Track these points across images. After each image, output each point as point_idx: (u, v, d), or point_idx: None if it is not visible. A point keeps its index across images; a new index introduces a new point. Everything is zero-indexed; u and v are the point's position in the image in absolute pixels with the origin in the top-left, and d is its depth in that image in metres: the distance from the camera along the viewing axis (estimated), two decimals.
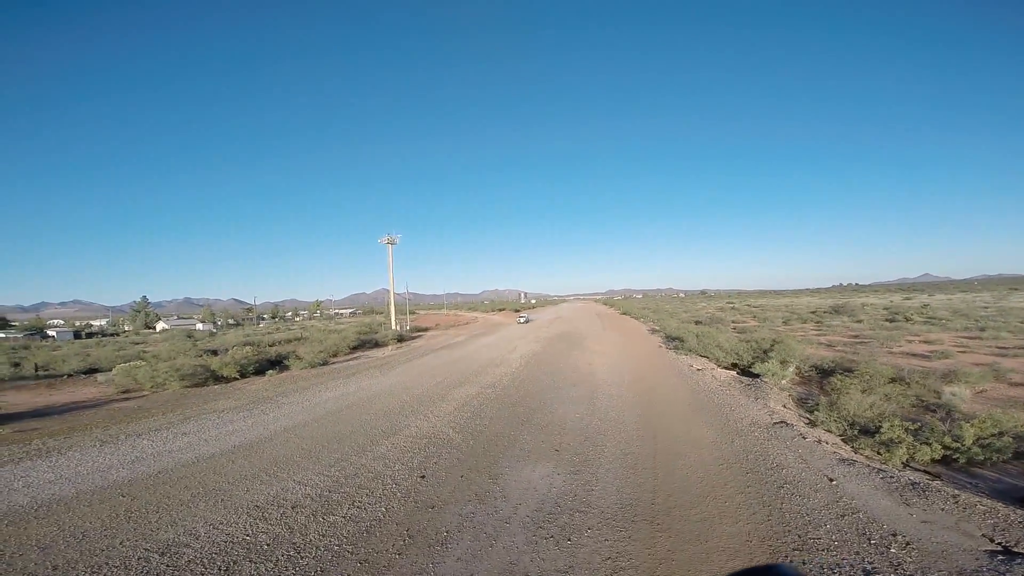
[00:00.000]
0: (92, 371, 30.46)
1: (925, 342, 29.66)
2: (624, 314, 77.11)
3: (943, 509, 6.96)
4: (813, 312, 60.47)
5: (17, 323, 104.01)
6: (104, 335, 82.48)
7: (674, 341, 30.94)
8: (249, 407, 16.03)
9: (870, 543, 6.11)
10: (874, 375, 16.67)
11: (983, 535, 6.29)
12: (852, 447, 11.19)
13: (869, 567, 5.55)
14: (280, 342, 42.70)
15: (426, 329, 61.38)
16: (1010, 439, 10.12)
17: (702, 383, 17.51)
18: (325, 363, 28.84)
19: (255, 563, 6.07)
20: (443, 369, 23.12)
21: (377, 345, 40.71)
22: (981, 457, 10.00)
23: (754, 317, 56.51)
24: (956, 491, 7.69)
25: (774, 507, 7.13)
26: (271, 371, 25.92)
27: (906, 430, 10.84)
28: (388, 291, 64.79)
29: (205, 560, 6.16)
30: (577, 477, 8.57)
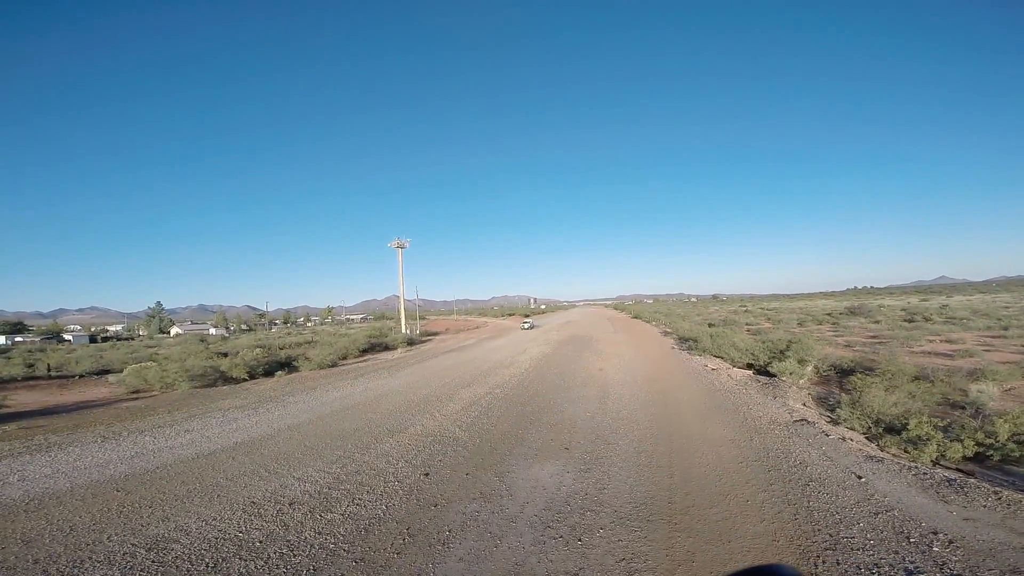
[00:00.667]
0: (104, 372, 30.57)
1: (947, 341, 28.81)
2: (635, 318, 76.29)
3: (985, 506, 6.44)
4: (828, 314, 59.29)
5: (35, 327, 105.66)
6: (119, 339, 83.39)
7: (687, 343, 30.33)
8: (255, 406, 15.80)
9: (909, 542, 5.61)
10: (896, 373, 16.09)
11: None
12: (878, 445, 10.65)
13: (911, 567, 5.05)
14: (290, 345, 42.63)
15: (436, 333, 61.18)
16: None
17: (717, 382, 16.97)
18: (334, 365, 28.66)
19: (245, 560, 5.72)
20: (452, 370, 22.78)
21: (387, 348, 40.51)
22: (1017, 453, 9.43)
23: (768, 319, 55.51)
24: (997, 488, 7.14)
25: (800, 505, 6.64)
26: (280, 372, 25.77)
27: (935, 427, 10.29)
28: (398, 297, 64.72)
29: (193, 556, 5.83)
30: (588, 475, 8.14)
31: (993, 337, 29.62)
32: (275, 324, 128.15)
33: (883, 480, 7.51)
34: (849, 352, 24.08)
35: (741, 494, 7.12)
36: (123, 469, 9.32)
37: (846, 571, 5.05)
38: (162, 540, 6.25)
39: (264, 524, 6.70)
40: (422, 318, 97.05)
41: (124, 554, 5.92)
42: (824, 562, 5.24)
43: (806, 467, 8.17)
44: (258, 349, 32.38)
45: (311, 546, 6.07)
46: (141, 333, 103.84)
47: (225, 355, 33.98)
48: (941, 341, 29.23)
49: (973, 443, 9.81)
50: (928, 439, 9.94)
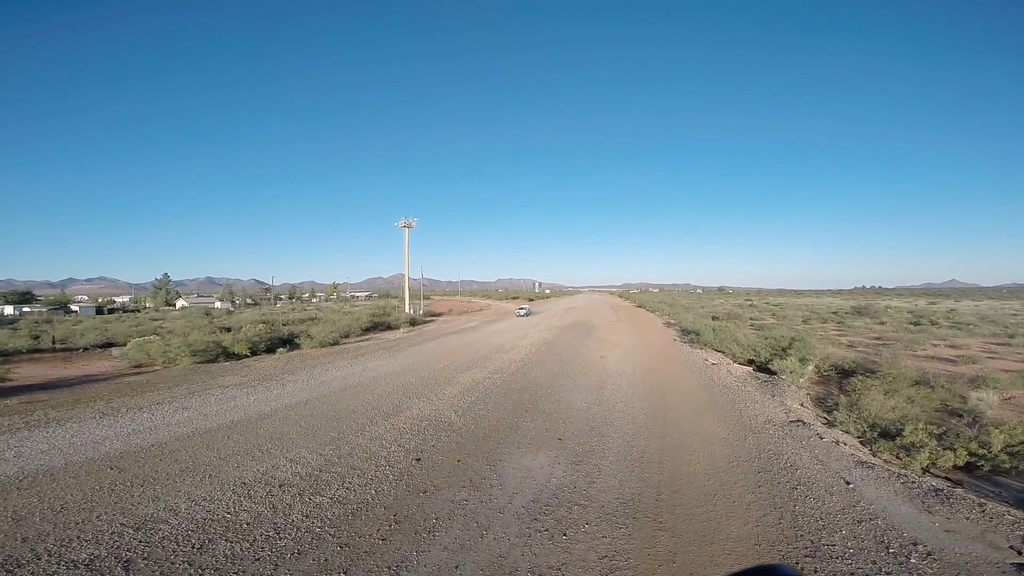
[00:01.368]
0: (108, 345, 30.82)
1: (951, 346, 28.60)
2: (639, 307, 76.21)
3: (968, 518, 6.41)
4: (834, 312, 58.92)
5: (43, 297, 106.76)
6: (125, 311, 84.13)
7: (689, 335, 30.26)
8: (254, 384, 15.93)
9: (888, 552, 5.61)
10: (897, 377, 16.00)
11: (1010, 547, 5.77)
12: (871, 449, 10.62)
13: None
14: (294, 321, 42.87)
15: (439, 314, 61.35)
16: None
17: (716, 378, 16.94)
18: (336, 343, 28.80)
19: (231, 542, 5.80)
20: (452, 353, 22.87)
21: (389, 328, 40.68)
22: (1008, 465, 9.38)
23: (773, 315, 55.23)
24: (982, 499, 7.11)
25: (786, 509, 6.64)
26: (282, 349, 25.93)
27: (929, 434, 10.25)
28: (404, 276, 64.82)
29: (180, 537, 5.91)
30: (579, 468, 8.17)
31: (998, 344, 29.38)
32: (280, 299, 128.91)
33: (871, 487, 7.49)
34: (852, 353, 23.95)
35: (729, 494, 7.13)
36: (118, 446, 9.43)
37: None
38: (150, 520, 6.34)
39: (253, 506, 6.78)
40: (426, 298, 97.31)
41: (112, 533, 6.00)
42: (803, 569, 5.24)
43: (796, 470, 8.16)
44: (261, 325, 32.63)
45: (297, 529, 6.14)
46: (147, 305, 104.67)
47: (228, 330, 34.25)
48: (945, 346, 29.02)
49: (965, 453, 9.77)
50: (922, 446, 9.91)
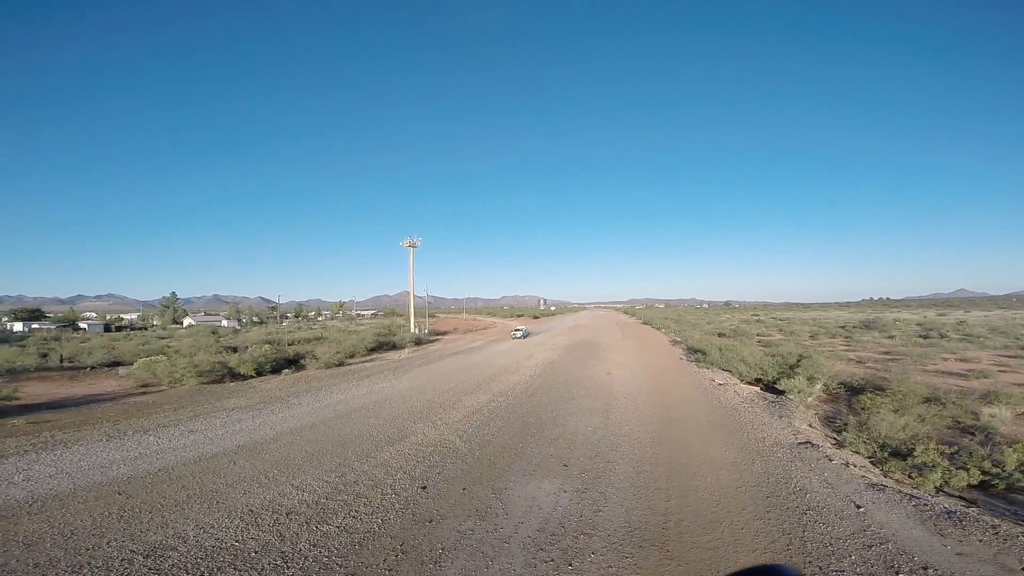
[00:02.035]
0: (115, 364, 31.04)
1: (962, 360, 28.31)
2: (645, 324, 75.91)
3: (981, 540, 6.33)
4: (842, 327, 58.51)
5: (52, 314, 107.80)
6: (133, 329, 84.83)
7: (696, 354, 30.10)
8: (259, 406, 15.96)
9: None
10: (907, 394, 15.84)
11: (1023, 568, 5.68)
12: (882, 470, 10.50)
13: None
14: (300, 341, 43.06)
15: (444, 333, 61.38)
16: None
17: (723, 399, 16.82)
18: (341, 364, 28.86)
19: (240, 571, 5.80)
20: (457, 375, 22.84)
21: (394, 347, 40.73)
22: (1023, 483, 9.28)
23: (780, 330, 54.92)
24: (996, 521, 7.01)
25: (795, 535, 6.57)
26: (287, 370, 26.03)
27: (941, 454, 10.15)
28: (409, 293, 65.06)
29: (189, 565, 5.92)
30: (584, 496, 8.12)
31: (1009, 357, 29.07)
32: (286, 318, 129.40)
33: (882, 510, 7.41)
34: (861, 369, 23.77)
35: (736, 521, 7.06)
36: (125, 471, 9.47)
37: None
38: (160, 547, 6.35)
39: (260, 534, 6.78)
40: (431, 316, 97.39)
41: (122, 560, 6.02)
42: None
43: (805, 494, 8.08)
44: (267, 346, 32.74)
45: (305, 558, 6.13)
46: (155, 323, 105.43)
47: (234, 350, 34.42)
48: (956, 360, 28.72)
49: (979, 472, 9.66)
50: (934, 466, 9.80)
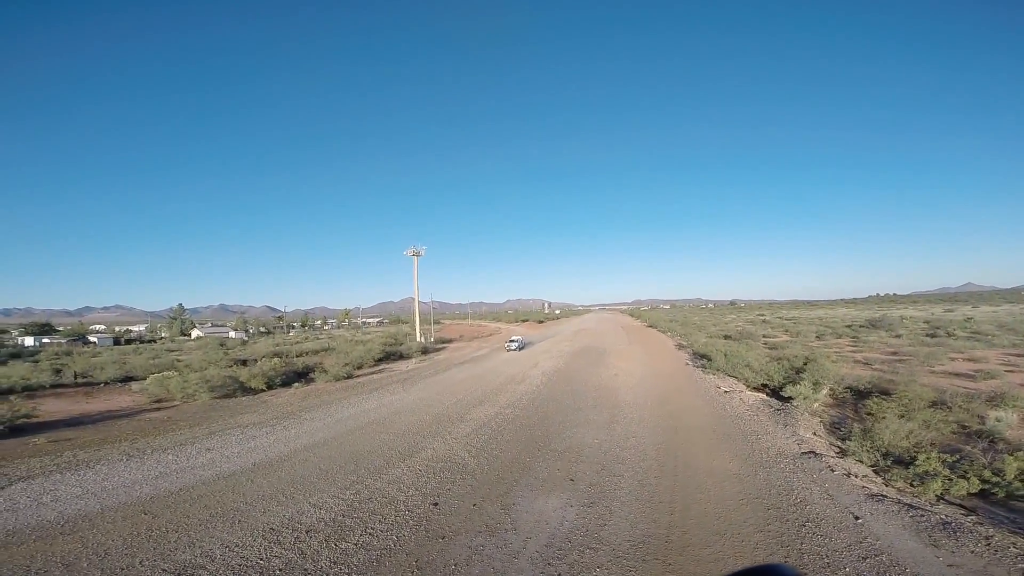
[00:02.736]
0: (128, 379, 31.54)
1: (969, 360, 28.16)
2: (650, 326, 75.96)
3: (973, 551, 6.58)
4: (848, 326, 58.31)
5: (62, 328, 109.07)
6: (142, 341, 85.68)
7: (701, 359, 30.26)
8: (272, 423, 16.32)
9: None
10: (913, 398, 15.86)
11: None
12: (884, 479, 10.68)
13: None
14: (308, 352, 43.54)
15: (450, 341, 61.70)
16: None
17: (729, 407, 17.02)
18: (350, 376, 29.22)
19: None
20: (463, 386, 23.15)
21: (402, 357, 41.11)
22: (1023, 491, 9.45)
23: (786, 331, 54.81)
24: (991, 531, 7.24)
25: (793, 547, 6.84)
26: (297, 384, 26.42)
27: (943, 462, 10.32)
28: (414, 300, 65.48)
29: None
30: (591, 510, 8.41)
31: (1018, 356, 28.93)
32: (293, 327, 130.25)
33: (880, 522, 7.65)
34: (867, 371, 23.78)
35: (737, 534, 7.33)
36: (148, 491, 9.85)
37: None
38: (190, 566, 6.70)
39: (283, 552, 7.12)
40: (437, 322, 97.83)
41: None
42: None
43: (806, 506, 8.33)
44: (276, 359, 33.19)
45: (327, 575, 6.45)
46: (163, 335, 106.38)
47: (244, 363, 34.90)
48: (963, 359, 28.60)
49: (978, 480, 9.84)
50: (935, 475, 10.00)
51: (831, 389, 19.12)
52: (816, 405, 17.26)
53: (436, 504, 8.84)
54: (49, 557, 7.03)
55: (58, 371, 34.70)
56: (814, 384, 18.50)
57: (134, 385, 27.94)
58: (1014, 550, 6.57)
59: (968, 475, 10.07)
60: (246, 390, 24.39)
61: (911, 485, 10.26)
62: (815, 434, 14.00)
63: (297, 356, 39.75)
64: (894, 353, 31.93)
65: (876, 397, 16.63)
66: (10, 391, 25.85)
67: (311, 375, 28.93)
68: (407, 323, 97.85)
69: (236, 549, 7.22)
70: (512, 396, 19.54)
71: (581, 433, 13.58)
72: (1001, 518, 8.50)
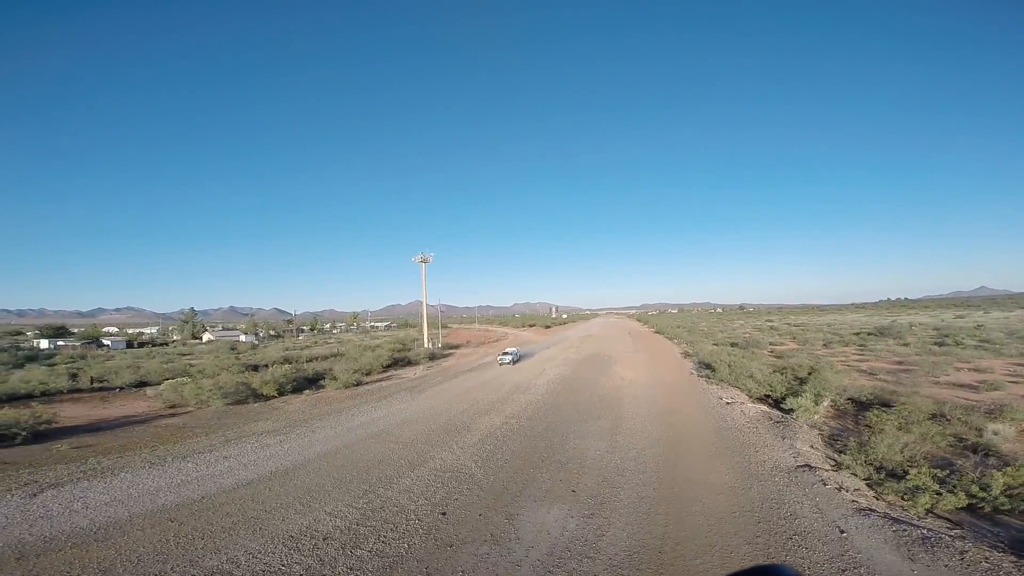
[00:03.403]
0: (142, 384, 32.36)
1: (975, 370, 28.16)
2: (657, 332, 76.13)
3: (947, 566, 6.99)
4: (856, 333, 58.24)
5: (76, 331, 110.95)
6: (154, 345, 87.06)
7: (706, 369, 30.56)
8: (286, 430, 16.91)
9: None
10: (912, 411, 16.04)
11: None
12: (876, 493, 11.02)
13: None
14: (317, 358, 44.30)
15: (457, 346, 62.29)
16: None
17: (730, 419, 17.35)
18: (359, 383, 29.79)
19: None
20: (470, 395, 23.66)
21: (410, 363, 41.71)
22: (1008, 507, 9.77)
23: (794, 338, 54.87)
24: (967, 545, 7.63)
25: (777, 559, 7.29)
26: (308, 391, 27.05)
27: (933, 477, 10.63)
28: (422, 303, 66.22)
29: None
30: (590, 521, 8.89)
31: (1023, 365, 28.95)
32: (302, 331, 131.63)
33: (863, 535, 8.07)
34: (871, 381, 23.93)
35: (727, 546, 7.78)
36: (172, 498, 10.44)
37: None
38: (217, 572, 7.26)
39: (302, 558, 7.66)
40: (444, 327, 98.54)
41: None
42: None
43: (795, 519, 8.75)
44: (287, 365, 33.89)
45: None
46: (175, 338, 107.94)
47: (255, 368, 35.68)
48: (969, 369, 28.58)
49: (966, 495, 10.18)
50: (924, 489, 10.34)
51: (833, 401, 19.36)
52: (817, 417, 17.53)
53: (444, 513, 9.36)
54: (87, 563, 7.60)
55: (74, 375, 35.60)
56: (815, 396, 18.77)
57: (149, 390, 28.72)
58: (985, 564, 6.97)
59: (956, 490, 10.42)
60: (258, 396, 25.04)
61: (902, 499, 10.59)
62: (812, 447, 14.33)
63: (307, 361, 40.47)
64: (900, 363, 31.98)
65: (877, 409, 16.87)
66: (29, 396, 26.73)
67: (321, 382, 29.57)
68: (415, 327, 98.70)
69: (259, 556, 7.76)
70: (518, 406, 20.02)
71: (584, 445, 14.04)
72: (985, 532, 8.85)
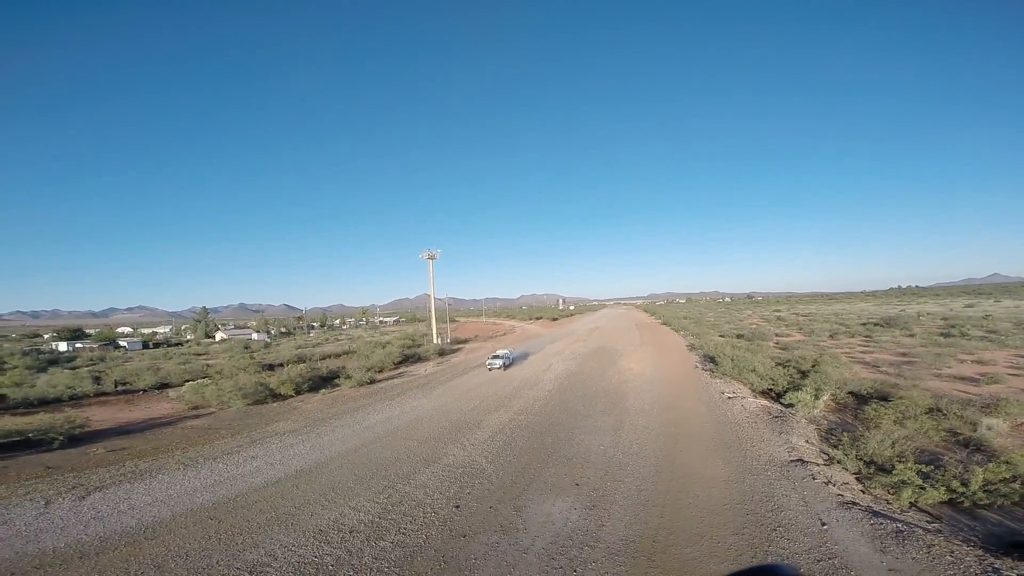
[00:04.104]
0: (164, 386, 33.51)
1: (978, 362, 28.33)
2: (664, 323, 76.55)
3: (914, 558, 7.68)
4: (863, 324, 58.29)
5: (92, 332, 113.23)
6: (169, 345, 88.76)
7: (710, 363, 31.11)
8: (306, 430, 17.83)
9: None
10: (910, 405, 16.47)
11: None
12: (864, 487, 11.63)
13: None
14: (330, 355, 45.39)
15: (465, 341, 63.14)
16: (1021, 484, 10.39)
17: (730, 414, 17.99)
18: (372, 381, 30.70)
19: None
20: (479, 391, 24.51)
21: (420, 360, 42.63)
22: (986, 501, 10.36)
23: (800, 329, 55.14)
24: (936, 539, 8.31)
25: (759, 549, 8.04)
26: (324, 390, 28.02)
27: (918, 472, 11.20)
28: (430, 296, 67.01)
29: None
30: (592, 513, 9.69)
31: None
32: (313, 327, 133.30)
33: (842, 528, 8.79)
34: (873, 374, 24.20)
35: (716, 536, 8.56)
36: (208, 498, 11.36)
37: None
38: (258, 565, 8.14)
39: (332, 550, 8.53)
40: (452, 320, 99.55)
41: None
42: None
43: (781, 512, 9.49)
44: (302, 365, 34.94)
45: (371, 570, 7.86)
46: (188, 337, 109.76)
47: (271, 367, 36.79)
48: (972, 362, 28.63)
49: (945, 490, 10.79)
50: (908, 484, 10.96)
51: (833, 395, 19.77)
52: (816, 412, 18.01)
53: (458, 507, 10.21)
54: (142, 560, 8.50)
55: (97, 379, 36.83)
56: (815, 391, 19.22)
57: (171, 392, 29.83)
58: (949, 558, 7.65)
59: (938, 485, 11.02)
60: (276, 396, 25.99)
61: (888, 493, 11.21)
62: (808, 442, 14.93)
63: (321, 360, 41.55)
64: (904, 354, 32.16)
65: (876, 403, 17.27)
66: (58, 400, 27.87)
67: (336, 380, 30.53)
68: (423, 321, 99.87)
69: (293, 548, 8.64)
70: (525, 402, 20.84)
71: (588, 440, 14.84)
72: (961, 526, 9.46)
